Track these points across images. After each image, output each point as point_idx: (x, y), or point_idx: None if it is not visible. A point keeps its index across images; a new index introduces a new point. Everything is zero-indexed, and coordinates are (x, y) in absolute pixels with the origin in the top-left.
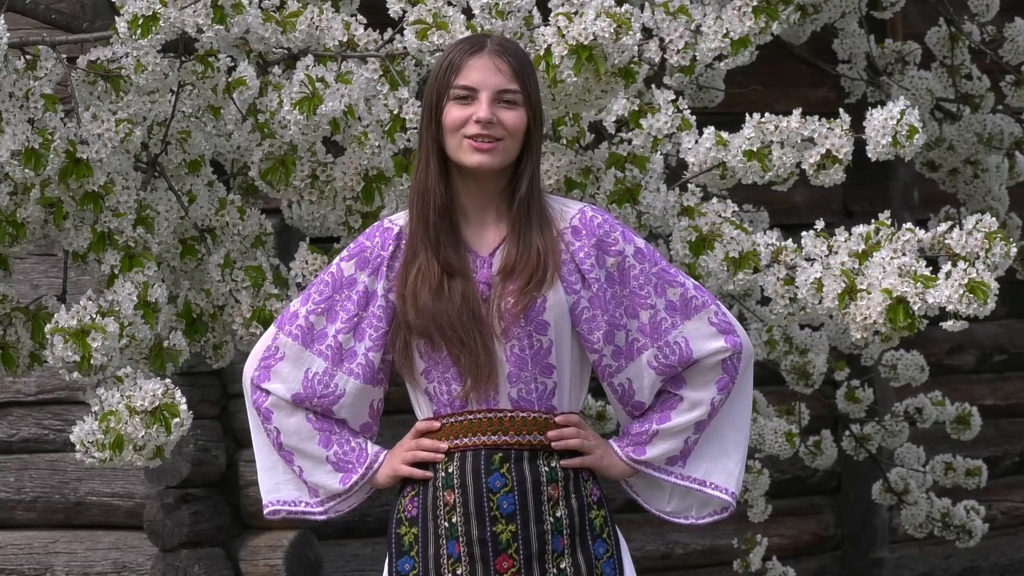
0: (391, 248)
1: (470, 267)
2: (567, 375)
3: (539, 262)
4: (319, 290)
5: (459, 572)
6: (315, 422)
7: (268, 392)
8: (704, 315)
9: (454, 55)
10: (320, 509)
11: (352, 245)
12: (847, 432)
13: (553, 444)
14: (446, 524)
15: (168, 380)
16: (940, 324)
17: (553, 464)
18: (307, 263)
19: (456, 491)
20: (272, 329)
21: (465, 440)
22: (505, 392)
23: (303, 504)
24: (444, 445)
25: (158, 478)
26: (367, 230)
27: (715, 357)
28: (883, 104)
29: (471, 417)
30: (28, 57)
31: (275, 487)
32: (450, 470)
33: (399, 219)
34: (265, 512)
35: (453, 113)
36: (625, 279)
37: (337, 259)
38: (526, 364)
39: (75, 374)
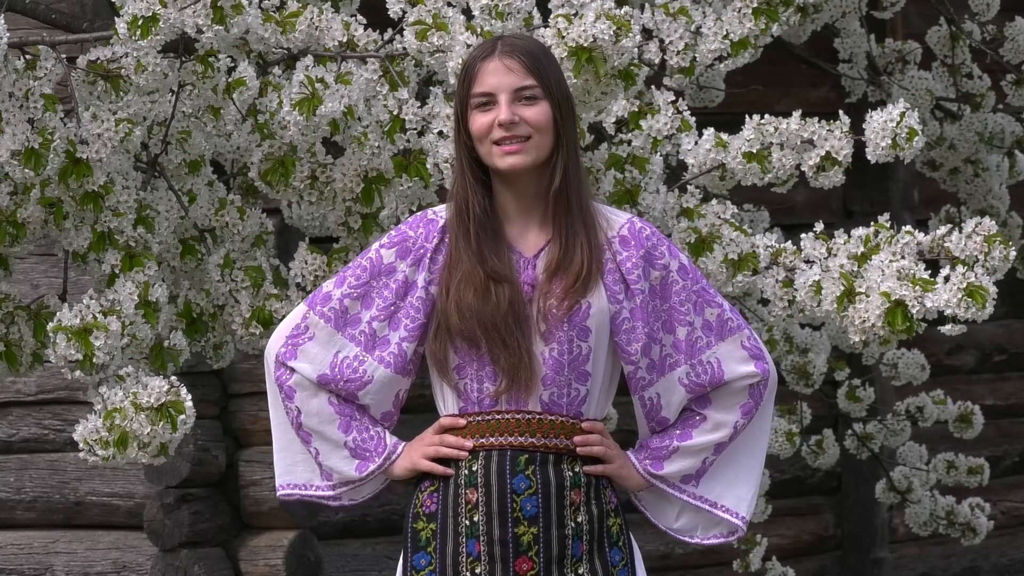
0: (435, 240)
1: (515, 269)
2: (599, 383)
3: (584, 261)
4: (356, 274)
5: (478, 571)
6: (337, 406)
7: (293, 370)
8: (738, 338)
9: (469, 64)
10: (332, 493)
11: (393, 233)
12: (849, 431)
13: (579, 450)
14: (467, 522)
15: (173, 377)
16: (939, 328)
17: (577, 469)
18: (307, 263)
19: (480, 490)
20: (302, 307)
21: (492, 439)
22: (537, 395)
23: (315, 488)
24: (469, 443)
25: (158, 478)
26: (410, 219)
27: (744, 381)
28: (883, 104)
29: (499, 417)
30: (28, 57)
31: (288, 468)
32: (474, 468)
33: (443, 211)
34: (278, 494)
35: (478, 121)
36: (667, 294)
37: (377, 245)
38: (563, 369)
39: (77, 372)
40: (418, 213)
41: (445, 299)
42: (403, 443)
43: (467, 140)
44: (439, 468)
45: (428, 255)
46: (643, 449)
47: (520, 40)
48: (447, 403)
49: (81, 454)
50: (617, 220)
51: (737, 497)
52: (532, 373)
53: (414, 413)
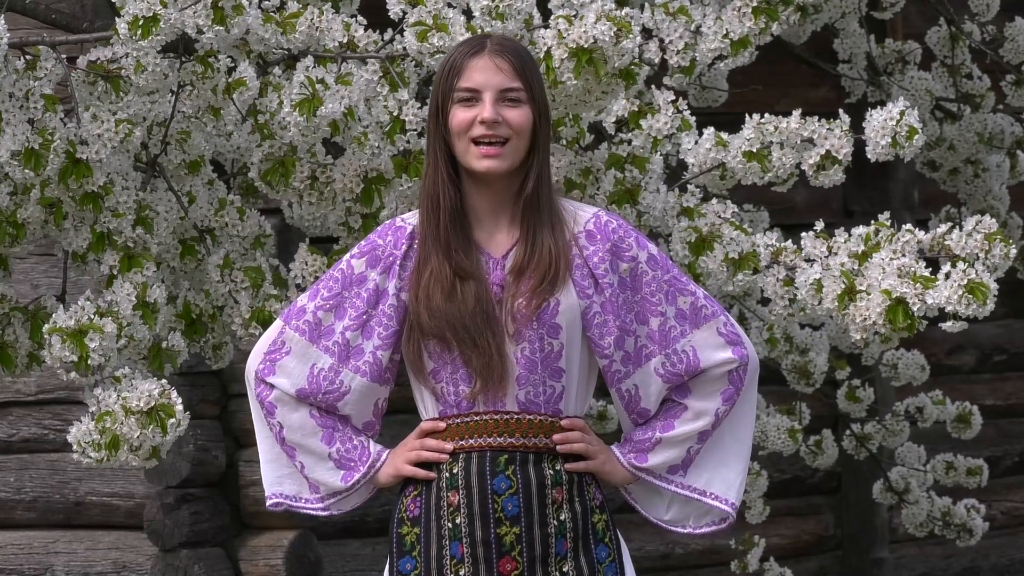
0: (404, 247)
1: (483, 269)
2: (575, 379)
3: (551, 262)
4: (328, 286)
5: (462, 573)
6: (319, 418)
7: (272, 386)
8: (713, 325)
9: (455, 58)
10: (320, 506)
11: (363, 243)
12: (848, 431)
13: (558, 448)
14: (449, 525)
15: (164, 380)
16: (940, 325)
17: (558, 467)
18: (307, 264)
19: (461, 492)
20: (278, 323)
21: (471, 441)
22: (513, 394)
23: (303, 500)
24: (449, 446)
25: (158, 478)
26: (379, 228)
27: (722, 368)
28: (883, 104)
29: (477, 418)
30: (28, 57)
31: (278, 480)
32: (455, 471)
33: (412, 218)
34: (268, 504)
35: (459, 116)
36: (637, 285)
37: (348, 256)
38: (536, 367)
39: (73, 374)
40: (387, 221)
41: (415, 300)
42: (387, 450)
43: (444, 134)
44: (422, 472)
45: (398, 262)
46: (627, 443)
47: (508, 42)
48: (427, 407)
49: (75, 456)
50: (583, 215)
51: (726, 482)
52: (505, 372)
53: (413, 413)
